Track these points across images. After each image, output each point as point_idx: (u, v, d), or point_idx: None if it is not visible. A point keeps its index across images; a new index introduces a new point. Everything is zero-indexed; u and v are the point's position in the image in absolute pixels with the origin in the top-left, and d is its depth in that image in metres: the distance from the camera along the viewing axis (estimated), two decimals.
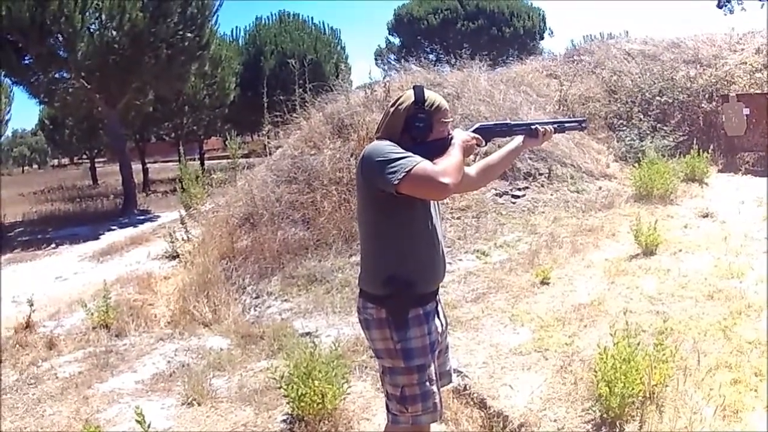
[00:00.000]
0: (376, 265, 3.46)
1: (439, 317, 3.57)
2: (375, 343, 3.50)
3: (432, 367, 3.42)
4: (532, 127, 3.99)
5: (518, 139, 4.03)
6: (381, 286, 3.39)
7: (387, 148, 3.21)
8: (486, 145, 3.75)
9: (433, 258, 3.46)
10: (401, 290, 3.33)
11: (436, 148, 3.32)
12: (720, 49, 19.69)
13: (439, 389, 3.48)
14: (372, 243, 3.50)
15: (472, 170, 3.93)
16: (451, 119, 3.55)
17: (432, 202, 3.47)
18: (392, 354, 3.40)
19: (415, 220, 3.36)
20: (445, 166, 3.14)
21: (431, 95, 3.47)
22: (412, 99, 3.40)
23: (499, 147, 4.15)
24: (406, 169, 3.07)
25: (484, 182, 4.17)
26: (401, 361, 3.37)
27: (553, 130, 4.06)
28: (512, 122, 4.09)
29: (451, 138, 3.45)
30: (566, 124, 4.38)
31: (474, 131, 3.71)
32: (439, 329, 3.56)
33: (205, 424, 5.63)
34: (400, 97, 3.48)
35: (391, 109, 3.46)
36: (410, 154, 3.15)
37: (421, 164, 3.08)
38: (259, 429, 5.44)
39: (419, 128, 3.37)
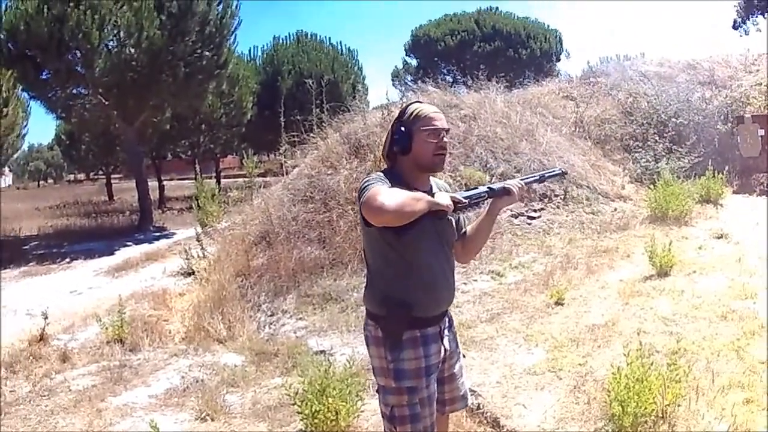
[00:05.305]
0: (374, 285, 3.52)
1: (443, 342, 3.58)
2: (372, 361, 3.55)
3: (425, 392, 3.42)
4: (503, 186, 3.75)
5: (487, 207, 3.75)
6: (377, 304, 3.46)
7: (366, 181, 3.27)
8: (459, 213, 3.54)
9: (432, 283, 3.45)
10: (396, 311, 3.37)
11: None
12: (735, 71, 19.76)
13: (433, 414, 3.48)
14: (372, 263, 3.55)
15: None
16: (441, 126, 3.49)
17: (436, 225, 3.42)
18: (385, 373, 3.44)
19: (411, 245, 3.35)
20: (387, 191, 3.11)
21: (413, 106, 3.53)
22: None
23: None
24: (363, 200, 3.15)
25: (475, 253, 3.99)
26: (392, 381, 3.40)
27: (524, 185, 3.82)
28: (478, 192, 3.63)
29: (433, 193, 3.42)
30: (546, 175, 4.27)
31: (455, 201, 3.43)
32: (442, 354, 3.57)
33: None
34: None
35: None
36: (376, 182, 3.22)
37: (370, 190, 3.13)
38: None
39: (398, 140, 3.44)
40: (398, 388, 3.39)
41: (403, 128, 3.44)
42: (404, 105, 3.58)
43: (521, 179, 3.81)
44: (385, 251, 3.41)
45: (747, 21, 35.09)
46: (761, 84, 18.32)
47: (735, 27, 35.67)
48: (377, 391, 3.56)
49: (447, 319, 3.67)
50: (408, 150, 3.43)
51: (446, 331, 3.63)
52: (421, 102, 3.62)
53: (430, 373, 3.46)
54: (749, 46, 29.80)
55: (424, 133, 3.44)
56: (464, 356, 4.01)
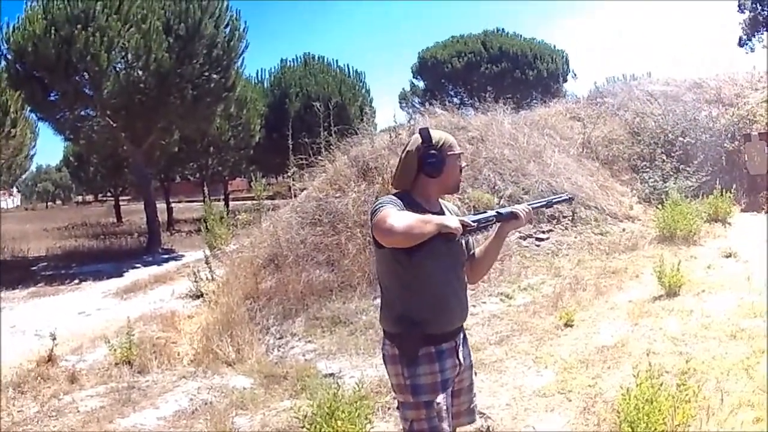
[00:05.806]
0: (389, 304, 3.59)
1: (458, 356, 3.62)
2: (390, 378, 3.61)
3: (442, 405, 3.47)
4: (511, 211, 3.79)
5: (495, 231, 3.79)
6: (393, 324, 3.53)
7: (377, 203, 3.35)
8: (467, 235, 3.58)
9: (442, 301, 3.51)
10: (411, 329, 3.44)
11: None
12: (742, 88, 19.75)
13: (450, 426, 3.52)
14: (386, 283, 3.61)
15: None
16: (461, 151, 3.69)
17: (446, 245, 3.42)
18: (402, 389, 3.50)
19: (421, 265, 3.39)
20: (397, 213, 3.20)
21: (437, 133, 3.61)
22: (420, 141, 3.54)
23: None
24: (374, 221, 3.24)
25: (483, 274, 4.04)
26: (410, 396, 3.46)
27: (531, 209, 3.88)
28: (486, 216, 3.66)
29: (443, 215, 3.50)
30: (554, 201, 4.31)
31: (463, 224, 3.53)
32: (457, 368, 3.61)
33: None
34: (408, 143, 3.64)
35: (404, 155, 3.60)
36: (387, 204, 3.28)
37: (381, 212, 3.21)
38: None
39: (432, 164, 3.50)
40: (416, 402, 3.44)
41: (436, 153, 3.51)
42: (419, 130, 3.62)
43: (529, 204, 3.87)
44: (397, 271, 3.47)
45: (753, 38, 34.98)
46: (766, 101, 18.29)
47: (741, 44, 35.57)
48: (397, 407, 3.63)
49: (462, 335, 3.73)
50: (440, 173, 3.52)
51: (461, 347, 3.68)
52: (430, 128, 3.68)
53: (446, 387, 3.52)
54: (755, 63, 29.75)
55: (454, 158, 3.59)
56: (476, 373, 4.01)
